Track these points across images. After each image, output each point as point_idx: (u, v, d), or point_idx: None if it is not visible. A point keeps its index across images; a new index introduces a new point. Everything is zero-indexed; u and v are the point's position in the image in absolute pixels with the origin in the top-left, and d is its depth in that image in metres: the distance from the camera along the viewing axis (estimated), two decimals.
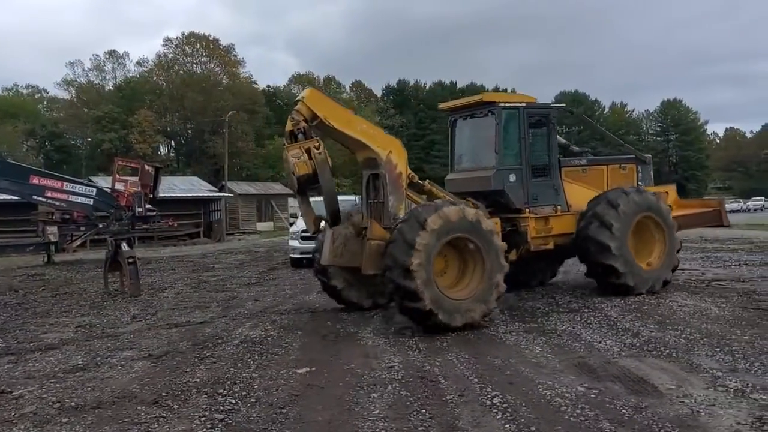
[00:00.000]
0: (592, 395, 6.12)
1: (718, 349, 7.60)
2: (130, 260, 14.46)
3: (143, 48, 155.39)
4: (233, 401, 6.33)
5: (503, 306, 10.73)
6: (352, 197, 21.59)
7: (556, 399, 6.05)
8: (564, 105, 14.89)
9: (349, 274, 10.98)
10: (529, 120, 11.61)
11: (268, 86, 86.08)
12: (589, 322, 9.60)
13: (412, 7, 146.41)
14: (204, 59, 75.99)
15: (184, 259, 26.11)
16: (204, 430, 5.60)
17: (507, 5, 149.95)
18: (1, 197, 24.47)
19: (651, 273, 11.65)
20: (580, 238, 11.51)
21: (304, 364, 7.75)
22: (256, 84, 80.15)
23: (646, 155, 13.86)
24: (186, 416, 5.95)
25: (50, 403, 6.48)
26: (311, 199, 10.30)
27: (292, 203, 55.55)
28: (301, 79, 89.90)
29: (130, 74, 77.49)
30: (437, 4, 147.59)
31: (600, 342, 8.28)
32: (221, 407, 6.14)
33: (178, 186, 44.98)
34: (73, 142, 73.67)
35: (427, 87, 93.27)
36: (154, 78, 74.91)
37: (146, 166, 23.79)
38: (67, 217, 22.32)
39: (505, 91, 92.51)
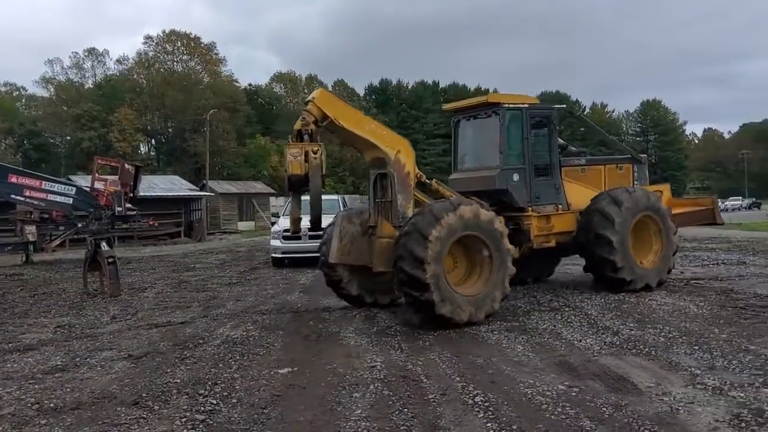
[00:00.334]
0: (573, 393, 6.17)
1: (696, 348, 7.69)
2: (110, 260, 14.31)
3: (123, 46, 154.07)
4: (214, 402, 6.29)
5: None
6: (335, 196, 21.60)
7: (537, 397, 6.09)
8: (564, 106, 15.20)
9: (354, 270, 11.10)
10: (531, 121, 11.87)
11: (250, 85, 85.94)
12: (569, 320, 9.67)
13: (395, 7, 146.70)
14: (185, 57, 75.63)
15: (165, 258, 25.92)
16: (185, 431, 5.56)
17: (489, 6, 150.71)
18: None
19: (647, 271, 11.89)
20: (583, 232, 11.80)
21: (286, 364, 7.73)
22: (237, 82, 80.00)
23: (641, 155, 14.19)
24: (166, 417, 5.91)
25: (29, 404, 6.39)
26: (303, 198, 10.36)
27: (274, 203, 55.48)
28: (283, 78, 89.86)
29: (110, 72, 77.07)
30: (419, 4, 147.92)
31: (580, 340, 8.34)
32: (202, 408, 6.10)
33: (158, 185, 44.66)
34: (52, 141, 72.97)
35: (410, 86, 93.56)
36: (135, 76, 74.39)
37: (126, 165, 23.63)
38: (46, 216, 22.08)
39: (487, 91, 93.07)
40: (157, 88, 70.73)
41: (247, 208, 54.96)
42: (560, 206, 12.15)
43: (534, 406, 5.87)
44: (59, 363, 8.15)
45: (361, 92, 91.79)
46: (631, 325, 9.14)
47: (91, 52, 77.61)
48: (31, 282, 18.03)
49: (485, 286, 9.73)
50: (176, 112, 69.46)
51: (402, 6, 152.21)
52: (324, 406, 6.11)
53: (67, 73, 75.89)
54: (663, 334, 8.48)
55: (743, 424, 5.19)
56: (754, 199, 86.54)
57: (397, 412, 5.84)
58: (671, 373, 6.72)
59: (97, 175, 25.35)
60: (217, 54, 77.43)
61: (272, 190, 59.30)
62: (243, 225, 52.86)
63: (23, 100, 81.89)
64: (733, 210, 69.79)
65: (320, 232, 17.52)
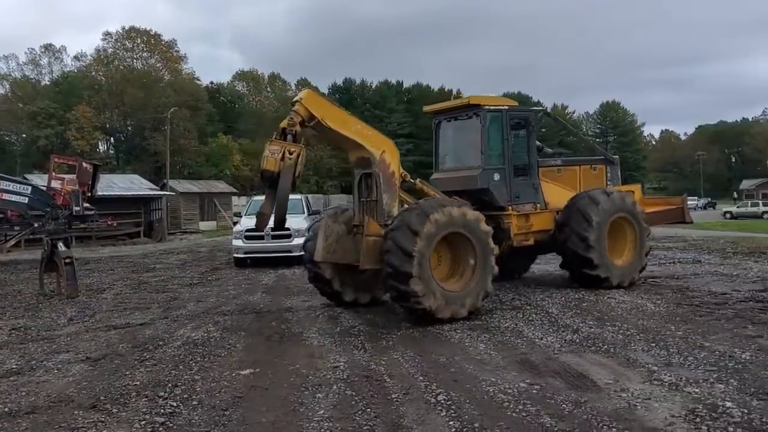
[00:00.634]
0: (534, 391, 6.24)
1: (653, 345, 7.86)
2: (67, 260, 14.03)
3: (81, 42, 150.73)
4: (174, 404, 6.20)
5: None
6: (298, 196, 21.48)
7: (499, 395, 6.14)
8: (542, 108, 15.64)
9: (337, 268, 11.20)
10: (510, 122, 12.13)
11: (212, 83, 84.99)
12: (531, 319, 9.79)
13: (358, 7, 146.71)
14: (145, 54, 74.43)
15: (124, 259, 25.49)
16: None
17: (453, 7, 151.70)
18: None
19: (621, 269, 12.25)
20: (562, 229, 12.11)
21: (248, 365, 7.66)
22: (199, 80, 78.98)
23: (614, 156, 14.67)
24: (125, 420, 5.81)
25: None
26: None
27: (236, 202, 54.95)
28: (246, 76, 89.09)
29: (68, 69, 75.39)
30: (382, 5, 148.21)
31: (541, 339, 8.45)
32: (162, 410, 6.02)
33: (117, 184, 43.85)
34: (7, 139, 70.98)
35: (374, 86, 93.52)
36: (93, 73, 72.96)
37: (84, 164, 23.14)
38: (1, 216, 21.49)
39: (450, 91, 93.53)
40: (116, 85, 69.37)
41: (208, 207, 54.29)
42: (538, 205, 12.47)
43: (496, 404, 5.93)
44: (14, 366, 7.96)
45: (325, 91, 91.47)
46: (591, 323, 9.29)
47: (48, 48, 75.99)
48: None
49: (469, 284, 10.03)
50: (136, 110, 68.17)
51: (368, 6, 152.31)
52: (286, 407, 6.08)
53: (22, 70, 74.15)
54: (621, 331, 8.64)
55: (698, 419, 5.31)
56: (709, 199, 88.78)
57: (360, 412, 5.83)
58: (629, 370, 6.84)
59: (54, 174, 24.72)
60: (178, 51, 76.50)
61: (234, 190, 58.76)
62: (204, 225, 52.19)
63: None
64: (689, 210, 71.29)
65: (285, 232, 17.75)
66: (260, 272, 17.87)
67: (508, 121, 12.05)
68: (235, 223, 21.74)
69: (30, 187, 14.99)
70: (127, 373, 7.42)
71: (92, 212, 21.45)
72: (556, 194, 12.70)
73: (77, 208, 18.37)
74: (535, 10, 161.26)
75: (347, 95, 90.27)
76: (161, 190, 48.04)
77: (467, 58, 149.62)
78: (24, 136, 68.42)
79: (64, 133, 61.89)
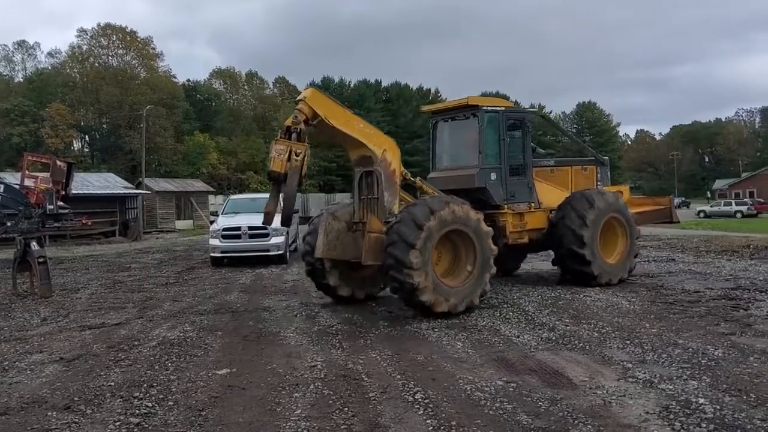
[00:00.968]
0: (511, 389, 6.28)
1: (628, 342, 7.95)
2: (41, 260, 13.84)
3: (56, 39, 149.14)
4: (150, 404, 6.15)
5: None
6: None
7: (476, 393, 6.17)
8: (537, 110, 16.04)
9: (335, 264, 11.34)
10: (507, 123, 12.37)
11: (188, 80, 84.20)
12: (508, 317, 9.86)
13: (336, 5, 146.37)
14: (120, 52, 73.31)
15: (99, 258, 25.19)
16: None
17: (431, 7, 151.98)
18: None
19: (611, 268, 12.54)
20: (556, 226, 12.42)
21: (225, 365, 7.62)
22: (175, 78, 78.16)
23: (604, 157, 15.06)
24: (100, 421, 5.75)
25: None
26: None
27: (213, 201, 54.54)
28: (223, 74, 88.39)
29: (42, 66, 74.31)
30: (361, 3, 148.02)
31: (518, 336, 8.51)
32: (137, 411, 5.96)
33: (92, 182, 43.28)
34: None
35: (352, 85, 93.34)
36: (68, 70, 71.88)
37: (58, 162, 22.77)
38: None
39: (429, 91, 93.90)
40: (91, 82, 68.48)
41: (185, 206, 53.85)
42: (533, 204, 12.72)
43: (473, 401, 5.96)
44: None
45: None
46: (567, 321, 9.38)
47: (21, 44, 75.01)
48: None
49: (467, 281, 10.26)
50: (111, 108, 67.33)
51: (347, 5, 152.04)
52: (263, 406, 6.05)
53: None
54: (597, 329, 8.73)
55: (672, 416, 5.38)
56: (683, 199, 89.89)
57: (337, 412, 5.82)
58: (604, 367, 6.92)
59: (27, 172, 24.29)
60: (154, 49, 75.53)
61: (211, 189, 58.34)
62: (181, 224, 51.76)
63: None
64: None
65: (264, 231, 17.75)
66: (237, 271, 17.78)
67: (504, 121, 12.30)
68: (211, 222, 21.58)
69: (2, 186, 14.75)
70: (102, 373, 7.34)
71: (66, 211, 21.12)
72: (549, 194, 13.02)
73: (51, 207, 18.06)
74: (515, 12, 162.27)
75: None
76: (137, 188, 47.56)
77: (447, 58, 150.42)
78: None
79: (37, 130, 60.99)
